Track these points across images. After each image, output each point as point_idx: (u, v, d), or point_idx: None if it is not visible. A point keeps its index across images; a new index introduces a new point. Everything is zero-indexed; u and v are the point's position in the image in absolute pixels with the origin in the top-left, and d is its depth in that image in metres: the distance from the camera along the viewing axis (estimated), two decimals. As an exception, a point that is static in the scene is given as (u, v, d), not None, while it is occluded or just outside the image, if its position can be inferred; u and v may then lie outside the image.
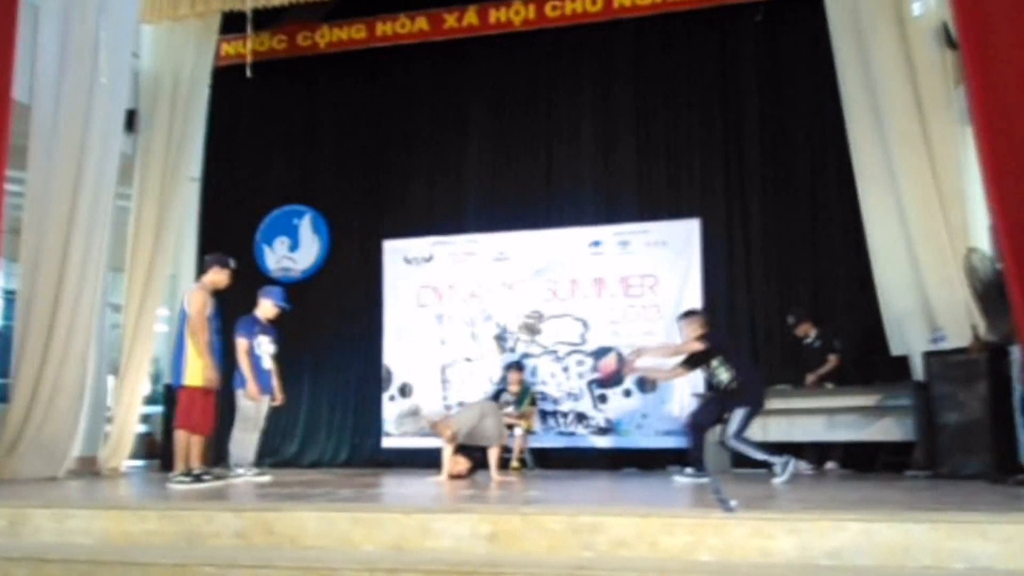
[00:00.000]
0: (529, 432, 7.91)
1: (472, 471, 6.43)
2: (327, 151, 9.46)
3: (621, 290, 8.37)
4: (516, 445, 7.69)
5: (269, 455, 8.18)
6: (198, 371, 5.83)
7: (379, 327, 8.91)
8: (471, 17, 8.91)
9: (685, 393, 7.82)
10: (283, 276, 9.18)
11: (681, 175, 8.51)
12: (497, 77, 9.13)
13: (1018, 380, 5.77)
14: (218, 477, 6.00)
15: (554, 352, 8.47)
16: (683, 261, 8.19)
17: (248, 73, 7.50)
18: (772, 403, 6.64)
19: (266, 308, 6.60)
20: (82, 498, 5.10)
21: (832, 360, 7.33)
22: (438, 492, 5.29)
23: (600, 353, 8.32)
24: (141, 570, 3.56)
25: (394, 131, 9.23)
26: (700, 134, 8.50)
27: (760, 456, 5.89)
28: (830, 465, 7.22)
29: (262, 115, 9.56)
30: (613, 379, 8.18)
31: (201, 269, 6.46)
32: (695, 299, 7.94)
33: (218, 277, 6.05)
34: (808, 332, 7.55)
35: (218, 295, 6.09)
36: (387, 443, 8.70)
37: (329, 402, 9.03)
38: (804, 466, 6.88)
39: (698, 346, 6.12)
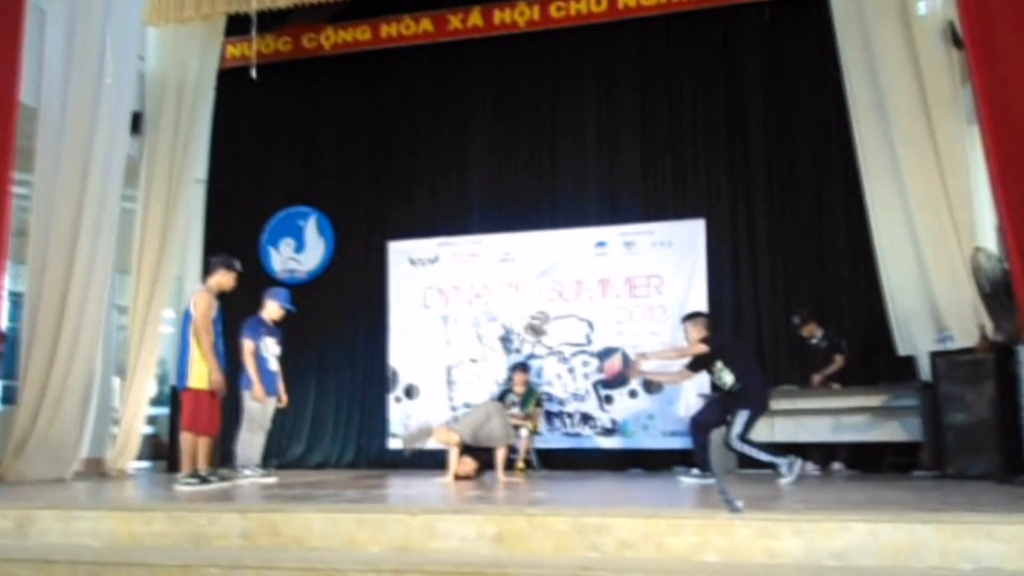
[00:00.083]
0: (535, 433, 7.90)
1: (479, 472, 6.44)
2: (332, 152, 9.48)
3: (626, 291, 8.37)
4: (522, 446, 7.68)
5: (275, 456, 8.20)
6: (203, 373, 5.83)
7: (384, 328, 8.92)
8: (475, 18, 8.93)
9: (691, 394, 7.81)
10: (289, 277, 9.20)
11: (686, 175, 8.50)
12: (501, 78, 9.13)
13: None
14: (224, 478, 6.00)
15: (559, 353, 8.47)
16: (688, 261, 8.19)
17: (253, 75, 7.49)
18: (778, 403, 6.64)
19: (272, 310, 6.60)
20: (89, 499, 5.11)
21: (838, 360, 7.30)
22: (444, 493, 5.29)
23: (605, 354, 8.31)
24: (147, 571, 3.57)
25: (399, 132, 9.25)
26: (705, 134, 8.49)
27: (764, 458, 5.88)
28: (836, 466, 7.19)
29: (267, 117, 9.58)
30: (618, 379, 8.17)
31: (207, 271, 6.46)
32: (700, 299, 7.94)
33: (224, 279, 6.04)
34: (814, 332, 7.52)
35: (224, 297, 6.08)
36: (393, 444, 8.71)
37: (335, 403, 9.04)
38: (810, 467, 6.87)
39: (702, 348, 6.11)
